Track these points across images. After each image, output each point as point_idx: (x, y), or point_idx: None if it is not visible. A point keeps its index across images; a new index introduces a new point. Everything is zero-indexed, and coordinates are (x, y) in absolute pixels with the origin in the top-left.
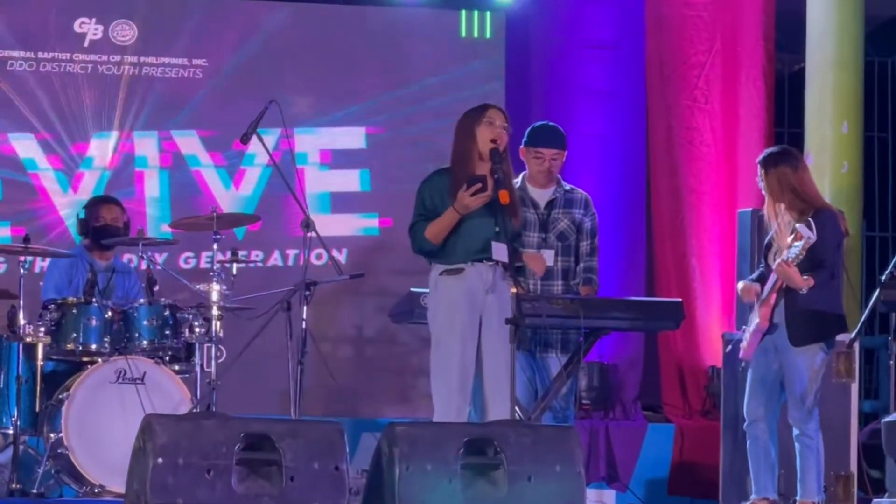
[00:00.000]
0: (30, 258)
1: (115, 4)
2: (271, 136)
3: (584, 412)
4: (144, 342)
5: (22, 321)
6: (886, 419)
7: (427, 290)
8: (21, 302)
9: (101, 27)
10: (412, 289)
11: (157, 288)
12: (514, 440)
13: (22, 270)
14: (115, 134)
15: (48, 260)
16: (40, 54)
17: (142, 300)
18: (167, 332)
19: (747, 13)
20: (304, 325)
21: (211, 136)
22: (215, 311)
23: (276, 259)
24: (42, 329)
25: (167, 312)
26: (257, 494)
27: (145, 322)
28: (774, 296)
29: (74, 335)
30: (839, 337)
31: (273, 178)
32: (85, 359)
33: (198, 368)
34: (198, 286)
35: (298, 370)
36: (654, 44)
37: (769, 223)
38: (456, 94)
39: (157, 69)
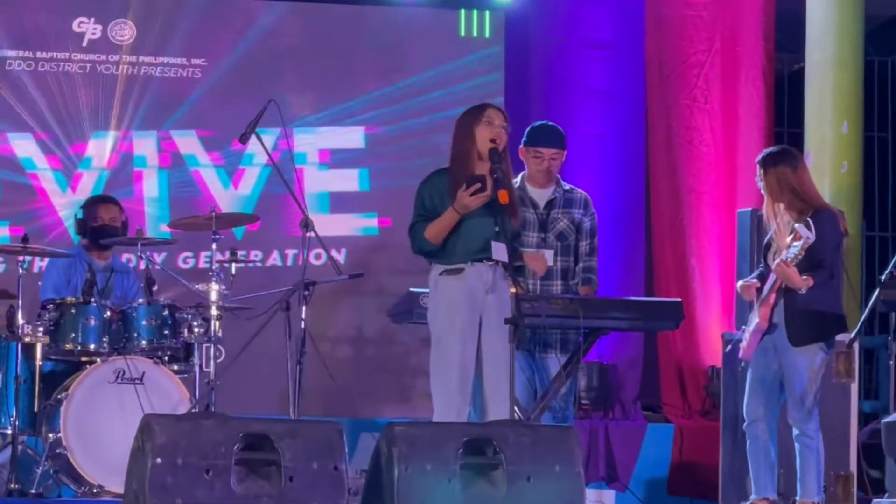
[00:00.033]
0: (28, 258)
1: (114, 4)
2: (270, 136)
3: (584, 412)
4: (143, 342)
5: (20, 321)
6: (886, 419)
7: (426, 290)
8: (20, 302)
9: (99, 27)
10: (411, 289)
11: (155, 288)
12: (513, 440)
13: (20, 270)
14: (113, 134)
15: (47, 260)
16: (38, 54)
17: (140, 300)
18: (166, 332)
19: (747, 13)
20: (303, 325)
21: (210, 135)
22: (214, 311)
23: (275, 259)
24: (41, 329)
25: (166, 312)
26: (256, 494)
27: (144, 322)
28: (774, 296)
29: (73, 335)
30: (839, 337)
31: (272, 178)
32: (84, 359)
33: (197, 368)
34: (197, 286)
35: (297, 370)
36: (654, 43)
37: (768, 223)
38: (455, 94)
39: (156, 69)
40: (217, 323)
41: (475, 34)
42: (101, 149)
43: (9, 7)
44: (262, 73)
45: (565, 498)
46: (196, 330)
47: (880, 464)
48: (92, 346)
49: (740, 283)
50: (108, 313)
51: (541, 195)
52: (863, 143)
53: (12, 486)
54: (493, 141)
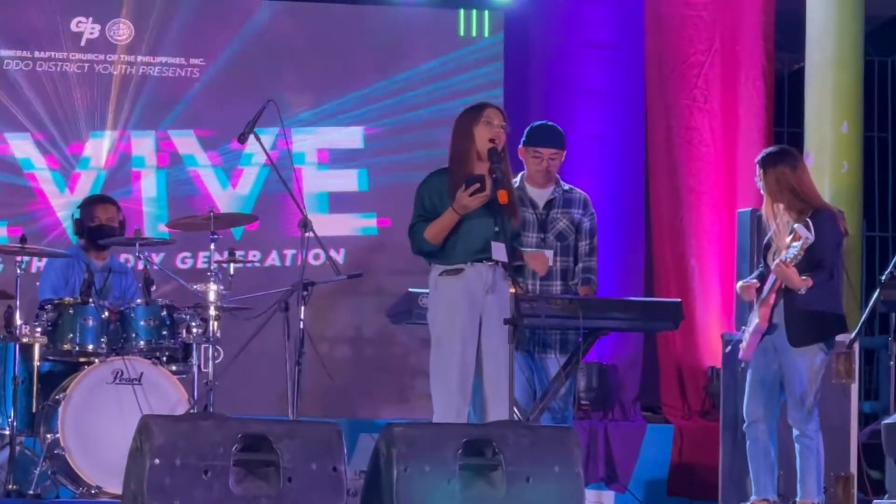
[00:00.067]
0: (26, 258)
1: (112, 4)
2: (269, 136)
3: (583, 413)
4: (141, 342)
5: (18, 321)
6: (886, 421)
7: (425, 291)
8: (18, 302)
9: (97, 26)
10: (410, 289)
11: (154, 288)
12: (512, 441)
13: (18, 270)
14: (112, 133)
15: (45, 260)
16: (37, 54)
17: (139, 300)
18: (164, 333)
19: (747, 13)
20: (301, 326)
21: (208, 135)
22: (213, 312)
23: (273, 259)
24: (39, 329)
25: (164, 313)
26: (255, 495)
27: (142, 322)
28: (773, 296)
29: (71, 335)
30: (839, 337)
31: (270, 178)
32: (82, 359)
33: (195, 369)
34: (195, 286)
35: (296, 371)
36: (654, 43)
37: (767, 223)
38: (454, 93)
39: (154, 68)
40: (215, 323)
41: (474, 34)
42: (98, 149)
43: (6, 7)
44: (261, 72)
45: (565, 499)
46: (194, 330)
47: (880, 464)
48: (90, 347)
49: (740, 284)
50: (107, 314)
51: (540, 195)
52: (863, 143)
53: (10, 486)
54: (492, 141)
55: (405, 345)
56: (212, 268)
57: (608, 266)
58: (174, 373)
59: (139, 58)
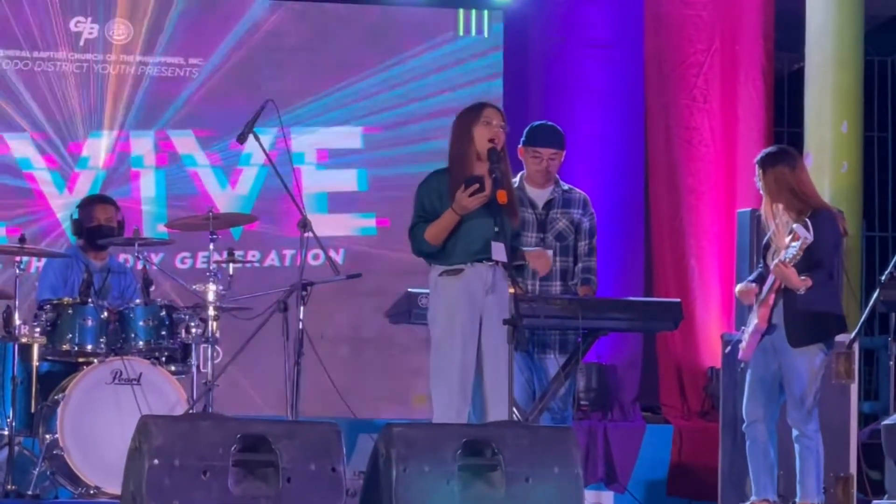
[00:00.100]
0: (25, 258)
1: (111, 3)
2: (268, 136)
3: (583, 413)
4: (140, 343)
5: (17, 322)
6: (886, 422)
7: (424, 291)
8: (16, 302)
9: (96, 26)
10: (409, 289)
11: (153, 288)
12: (511, 441)
13: (17, 271)
14: (110, 133)
15: (44, 260)
16: (35, 54)
17: (138, 300)
18: (163, 333)
19: (746, 12)
20: (300, 326)
21: (207, 135)
22: (212, 312)
23: (272, 259)
24: (38, 330)
25: (163, 313)
26: (254, 496)
27: (141, 322)
28: (773, 296)
29: (70, 336)
30: (839, 337)
31: (269, 178)
32: (81, 359)
33: (194, 369)
34: (194, 286)
35: (295, 371)
36: (653, 43)
37: (767, 223)
38: (453, 93)
39: (153, 68)
40: (214, 323)
41: (474, 33)
42: (98, 148)
43: (5, 7)
44: (260, 72)
45: (564, 499)
46: (193, 330)
47: (880, 465)
48: (89, 347)
49: (738, 288)
50: (105, 314)
51: (539, 195)
52: (863, 143)
53: (9, 487)
54: (491, 141)
55: (404, 345)
56: (211, 268)
57: (608, 266)
58: (173, 373)
59: (138, 57)
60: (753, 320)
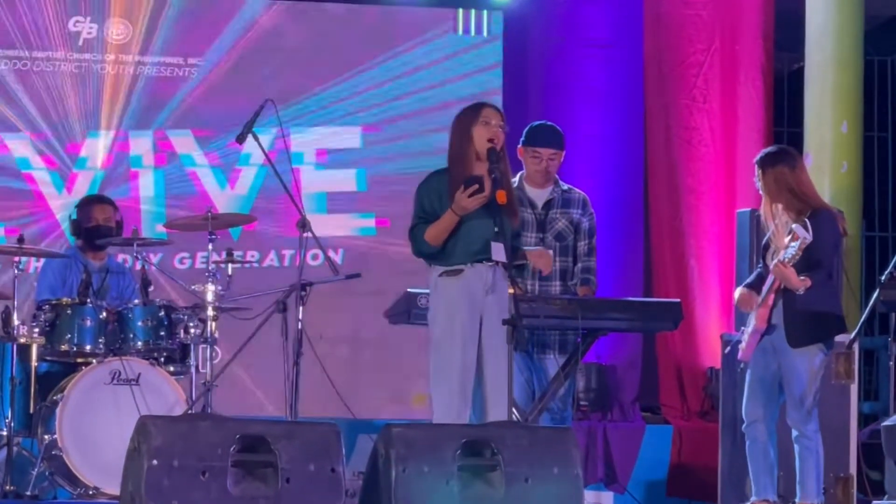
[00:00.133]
0: (24, 259)
1: (110, 3)
2: (267, 136)
3: (582, 413)
4: (139, 343)
5: (16, 322)
6: (886, 423)
7: (424, 291)
8: (15, 303)
9: (95, 26)
10: (409, 289)
11: (151, 288)
12: (511, 442)
13: (16, 271)
14: (109, 133)
15: (42, 260)
16: (34, 53)
17: (136, 301)
18: (162, 333)
19: (746, 12)
20: (299, 326)
21: (206, 135)
22: (210, 312)
23: (271, 259)
24: (36, 330)
25: (162, 313)
26: (253, 496)
27: (140, 323)
28: (772, 296)
29: (69, 336)
30: (839, 338)
31: (268, 178)
32: (79, 360)
33: (193, 369)
34: (193, 287)
35: (294, 371)
36: (653, 43)
37: (766, 223)
38: (453, 93)
39: (152, 68)
40: (213, 324)
41: (473, 33)
42: (96, 149)
43: (4, 6)
44: (259, 72)
45: (564, 499)
46: (192, 331)
47: (880, 465)
48: (88, 348)
49: (737, 294)
50: (104, 314)
51: (539, 195)
52: (862, 143)
53: (8, 488)
54: (490, 141)
55: (404, 345)
56: (210, 268)
57: (607, 266)
58: (172, 373)
59: (137, 57)
60: (753, 320)
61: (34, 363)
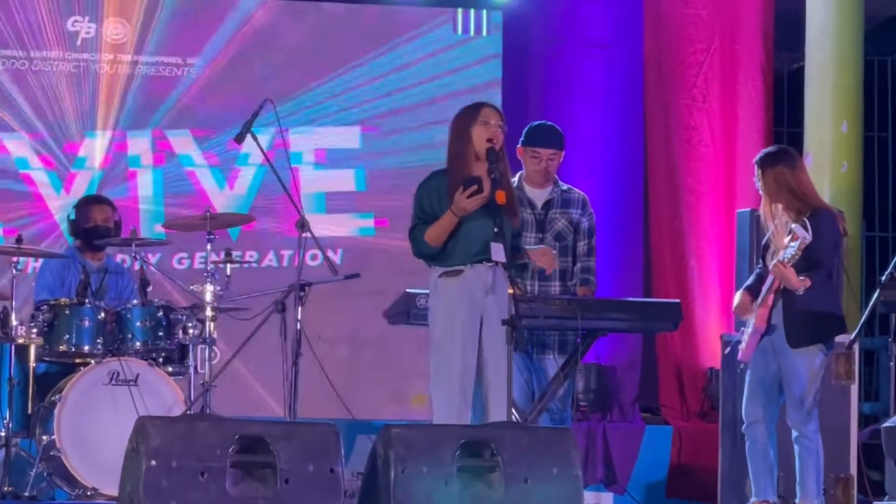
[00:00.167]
0: (22, 259)
1: (109, 3)
2: (266, 136)
3: (582, 414)
4: (137, 343)
5: (14, 322)
6: (886, 424)
7: (423, 291)
8: (13, 303)
9: (93, 25)
10: (408, 289)
11: (150, 289)
12: (510, 442)
13: (14, 271)
14: (108, 133)
15: (41, 261)
16: (32, 53)
17: (135, 301)
18: (160, 334)
19: (746, 12)
20: (298, 326)
21: (205, 135)
22: (209, 312)
23: (270, 259)
24: (35, 330)
25: (160, 313)
26: (252, 497)
27: (138, 323)
28: (772, 297)
29: (67, 336)
30: (839, 338)
31: (267, 178)
32: (78, 360)
33: (191, 370)
34: (192, 287)
35: (293, 371)
36: (652, 42)
37: (766, 223)
38: (452, 93)
39: (150, 67)
40: (212, 324)
41: (472, 33)
42: (94, 148)
43: (3, 6)
44: (258, 71)
45: (563, 500)
46: (191, 331)
47: (880, 465)
48: (86, 348)
49: (736, 300)
50: (103, 314)
51: (538, 195)
52: (863, 143)
53: (6, 488)
54: (489, 141)
55: (403, 346)
56: (208, 268)
57: (607, 266)
58: (170, 374)
59: (135, 57)
60: (752, 321)
61: (32, 364)
